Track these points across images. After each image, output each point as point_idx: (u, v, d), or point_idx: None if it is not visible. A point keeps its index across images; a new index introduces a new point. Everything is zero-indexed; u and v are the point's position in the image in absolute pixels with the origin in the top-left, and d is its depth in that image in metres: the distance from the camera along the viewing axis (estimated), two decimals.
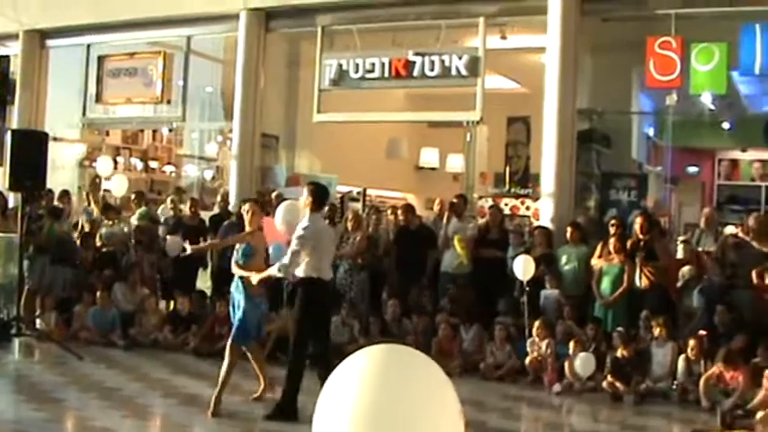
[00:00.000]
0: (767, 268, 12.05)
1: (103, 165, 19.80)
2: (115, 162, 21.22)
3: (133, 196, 17.51)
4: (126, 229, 15.86)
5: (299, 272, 9.52)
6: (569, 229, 13.45)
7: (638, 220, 13.03)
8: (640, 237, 12.81)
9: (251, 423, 9.28)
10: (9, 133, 14.10)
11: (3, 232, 15.07)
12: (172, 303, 14.87)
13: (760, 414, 9.34)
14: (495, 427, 10.00)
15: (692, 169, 24.20)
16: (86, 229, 16.30)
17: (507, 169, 18.52)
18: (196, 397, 10.13)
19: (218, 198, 16.86)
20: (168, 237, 15.17)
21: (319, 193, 9.78)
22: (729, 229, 13.56)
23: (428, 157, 23.05)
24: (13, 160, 12.98)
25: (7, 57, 21.12)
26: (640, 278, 12.58)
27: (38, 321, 14.26)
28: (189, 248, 10.78)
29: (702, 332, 11.72)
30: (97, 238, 15.78)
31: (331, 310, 10.89)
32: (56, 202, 16.42)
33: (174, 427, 9.23)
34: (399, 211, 15.26)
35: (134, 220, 16.24)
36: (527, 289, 12.55)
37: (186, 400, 10.03)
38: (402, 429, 2.38)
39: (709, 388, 10.66)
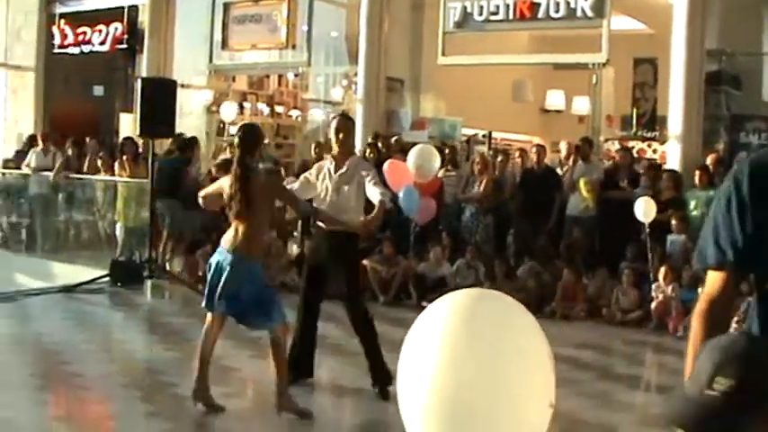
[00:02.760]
0: None
1: (228, 110, 20.09)
2: (241, 107, 21.51)
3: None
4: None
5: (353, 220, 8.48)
6: (698, 173, 13.23)
7: None
8: None
9: None
10: (139, 81, 14.40)
11: (134, 177, 15.47)
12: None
13: None
14: (621, 372, 9.98)
15: None
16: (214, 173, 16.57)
17: (634, 112, 18.26)
18: (322, 338, 10.23)
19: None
20: None
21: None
22: None
23: (553, 100, 22.79)
24: (144, 108, 13.28)
25: (135, 6, 21.48)
26: None
27: (167, 264, 14.62)
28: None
29: None
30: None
31: None
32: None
33: None
34: (532, 149, 15.17)
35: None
36: (648, 231, 12.43)
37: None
38: (488, 376, 2.41)
39: None
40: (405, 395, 2.56)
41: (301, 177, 8.99)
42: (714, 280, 3.01)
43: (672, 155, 14.49)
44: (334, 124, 8.85)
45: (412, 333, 2.64)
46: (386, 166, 12.28)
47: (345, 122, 8.89)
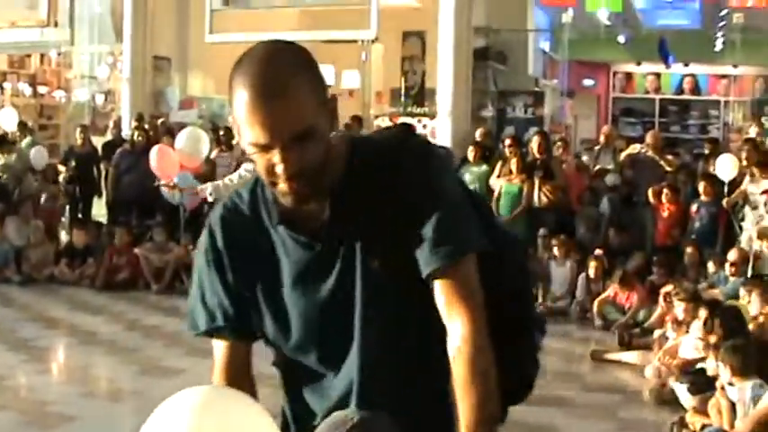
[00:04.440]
0: (664, 186, 12.21)
1: None
2: (1, 88, 20.63)
3: (15, 128, 16.89)
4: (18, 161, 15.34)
5: None
6: (472, 149, 13.37)
7: (536, 139, 13.06)
8: (537, 156, 12.83)
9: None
10: None
11: None
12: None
13: (657, 332, 9.45)
14: None
15: (588, 82, 24.39)
16: None
17: (403, 84, 18.38)
18: (96, 335, 9.94)
19: (111, 124, 16.50)
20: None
21: None
22: (635, 147, 13.64)
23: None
24: None
25: None
26: (539, 197, 12.60)
27: None
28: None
29: (599, 251, 11.82)
30: None
31: None
32: None
33: (75, 370, 9.04)
34: None
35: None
36: None
37: (86, 338, 9.83)
38: None
39: (602, 308, 10.81)
40: None
41: None
42: (219, 348, 2.55)
43: (442, 130, 14.63)
44: None
45: None
46: (153, 153, 12.03)
47: None
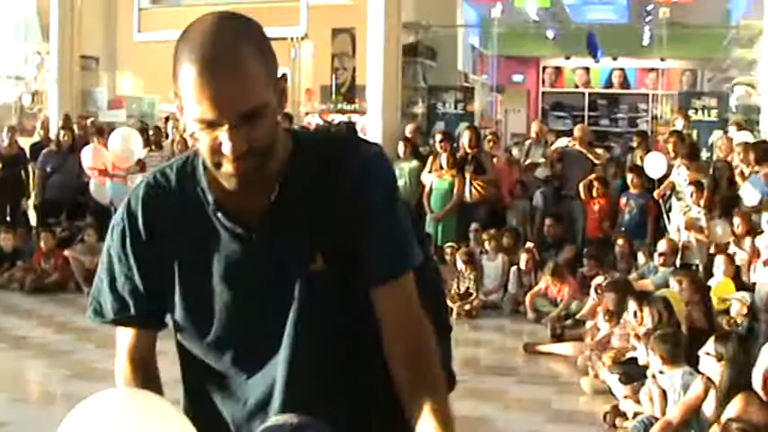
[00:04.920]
0: (593, 180, 12.34)
1: None
2: None
3: None
4: None
5: None
6: (402, 145, 13.38)
7: (466, 134, 13.10)
8: (468, 151, 12.88)
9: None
10: None
11: None
12: None
13: (589, 323, 9.54)
14: None
15: (518, 77, 24.55)
16: None
17: (334, 80, 18.38)
18: (26, 339, 9.81)
19: (39, 125, 16.30)
20: None
21: None
22: (562, 141, 13.76)
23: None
24: None
25: None
26: (470, 192, 12.65)
27: None
28: None
29: (530, 244, 11.92)
30: None
31: None
32: None
33: (5, 375, 8.87)
34: None
35: None
36: None
37: (16, 342, 9.69)
38: None
39: (534, 301, 10.89)
40: None
41: None
42: (125, 335, 2.39)
43: (372, 126, 14.63)
44: None
45: None
46: (86, 152, 11.94)
47: None
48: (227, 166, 2.10)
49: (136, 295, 2.32)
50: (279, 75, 2.17)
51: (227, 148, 2.06)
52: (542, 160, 13.34)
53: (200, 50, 2.04)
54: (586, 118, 23.14)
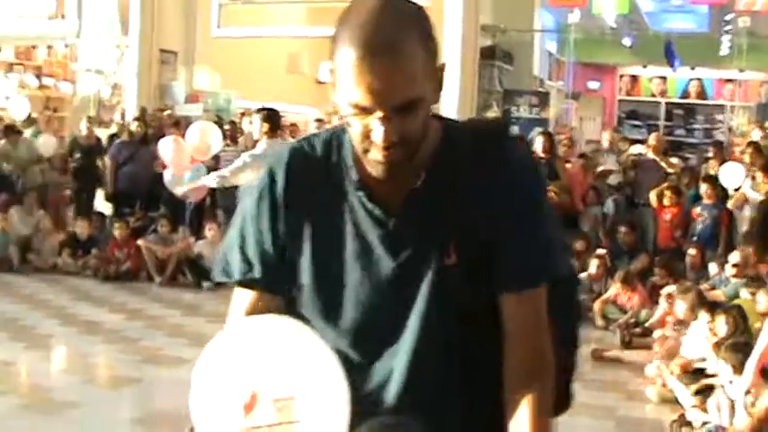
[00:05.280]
0: (665, 189, 12.25)
1: None
2: (8, 79, 20.63)
3: (21, 120, 16.96)
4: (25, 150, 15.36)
5: None
6: None
7: (540, 139, 13.06)
8: (542, 156, 12.84)
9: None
10: None
11: None
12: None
13: (658, 332, 9.47)
14: None
15: (594, 84, 24.40)
16: None
17: None
18: (98, 324, 9.96)
19: (116, 117, 16.54)
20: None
21: (273, 118, 9.57)
22: (636, 149, 13.68)
23: (329, 71, 22.71)
24: None
25: None
26: None
27: None
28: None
29: (602, 251, 11.85)
30: None
31: None
32: None
33: (76, 358, 9.05)
34: None
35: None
36: None
37: (88, 327, 9.84)
38: None
39: (603, 308, 10.82)
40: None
41: None
42: (244, 296, 2.34)
43: None
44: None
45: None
46: (166, 143, 12.09)
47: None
48: (376, 154, 2.05)
49: (264, 258, 2.28)
50: (438, 63, 2.08)
51: (377, 136, 2.01)
52: (615, 167, 13.27)
53: (361, 34, 1.96)
54: (662, 127, 22.97)
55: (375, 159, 2.06)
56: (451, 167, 2.16)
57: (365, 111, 1.99)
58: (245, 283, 2.30)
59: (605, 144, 14.17)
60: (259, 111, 9.96)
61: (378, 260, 2.20)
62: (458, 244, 2.15)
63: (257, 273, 2.28)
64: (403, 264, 2.18)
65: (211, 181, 9.71)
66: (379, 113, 1.98)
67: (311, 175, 2.25)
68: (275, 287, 2.30)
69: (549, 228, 2.21)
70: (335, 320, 2.25)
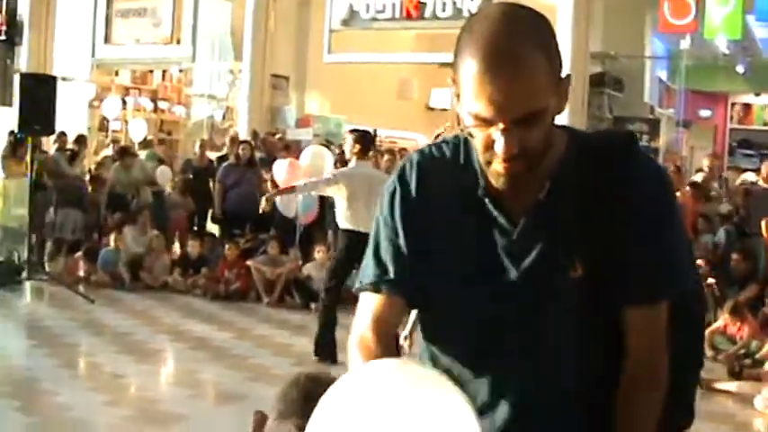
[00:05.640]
0: None
1: (110, 106, 19.74)
2: (124, 102, 21.11)
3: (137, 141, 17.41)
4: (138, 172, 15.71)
5: (340, 219, 9.30)
6: None
7: None
8: None
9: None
10: (17, 77, 13.99)
11: (14, 175, 15.06)
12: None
13: None
14: None
15: (705, 113, 24.06)
16: (94, 171, 16.27)
17: None
18: (206, 341, 10.13)
19: (228, 140, 16.81)
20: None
21: (365, 140, 9.68)
22: (747, 176, 13.47)
23: (439, 98, 22.88)
24: (23, 104, 12.86)
25: None
26: None
27: (47, 265, 14.19)
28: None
29: (711, 280, 11.66)
30: (108, 181, 15.66)
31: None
32: (70, 145, 16.37)
33: (185, 373, 9.22)
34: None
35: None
36: None
37: (197, 344, 10.02)
38: None
39: (713, 338, 10.65)
40: None
41: None
42: (375, 301, 2.29)
43: None
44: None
45: None
46: (281, 165, 12.30)
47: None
48: (497, 165, 2.05)
49: (397, 258, 2.25)
50: (563, 74, 2.07)
51: (499, 147, 2.00)
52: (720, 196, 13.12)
53: (484, 46, 1.96)
54: None
55: (496, 171, 2.06)
56: (577, 179, 2.13)
57: (486, 122, 1.99)
58: (378, 286, 2.27)
59: (705, 169, 13.98)
60: (352, 131, 10.04)
61: (499, 270, 2.18)
62: (583, 257, 2.12)
63: (392, 274, 2.25)
64: (524, 276, 2.16)
65: (300, 184, 9.98)
66: (501, 125, 1.98)
67: (441, 177, 2.25)
68: (406, 289, 2.26)
69: (677, 243, 2.18)
70: (454, 327, 2.25)
